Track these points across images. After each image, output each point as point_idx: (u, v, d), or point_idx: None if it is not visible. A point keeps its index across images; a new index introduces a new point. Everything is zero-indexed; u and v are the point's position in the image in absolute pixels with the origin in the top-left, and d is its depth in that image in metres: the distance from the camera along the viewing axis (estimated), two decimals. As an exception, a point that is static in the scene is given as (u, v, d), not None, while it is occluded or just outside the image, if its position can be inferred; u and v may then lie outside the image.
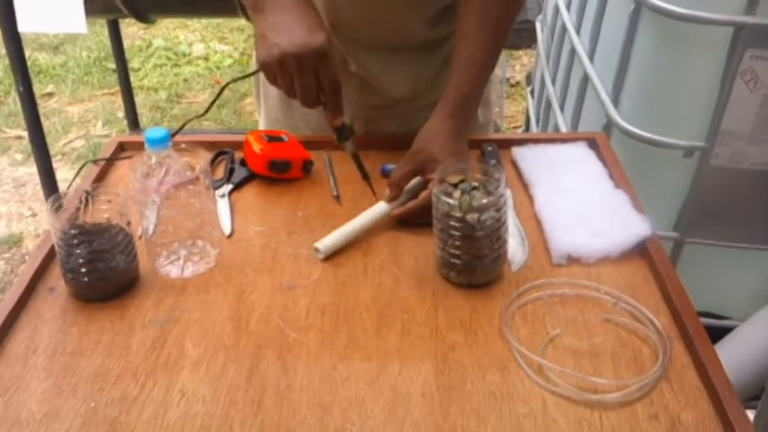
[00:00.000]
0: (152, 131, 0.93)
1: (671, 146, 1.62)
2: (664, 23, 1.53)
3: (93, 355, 0.87)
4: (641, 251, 1.01)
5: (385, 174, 1.16)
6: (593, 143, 1.24)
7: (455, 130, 1.07)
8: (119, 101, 3.44)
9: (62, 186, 2.58)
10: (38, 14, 2.24)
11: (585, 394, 0.80)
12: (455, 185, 0.94)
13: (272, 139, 1.18)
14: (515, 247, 1.02)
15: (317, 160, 1.21)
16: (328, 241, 1.01)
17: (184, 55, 4.13)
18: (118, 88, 3.37)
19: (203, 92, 3.79)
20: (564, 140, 1.25)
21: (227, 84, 1.15)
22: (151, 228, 0.97)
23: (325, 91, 1.01)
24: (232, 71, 3.99)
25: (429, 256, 1.00)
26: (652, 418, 0.77)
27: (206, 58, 4.11)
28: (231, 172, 1.19)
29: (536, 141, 1.25)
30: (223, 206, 1.12)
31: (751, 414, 1.39)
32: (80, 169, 1.17)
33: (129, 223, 0.94)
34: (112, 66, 3.52)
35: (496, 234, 0.93)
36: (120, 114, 3.46)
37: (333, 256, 1.01)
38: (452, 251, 0.93)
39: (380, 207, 1.06)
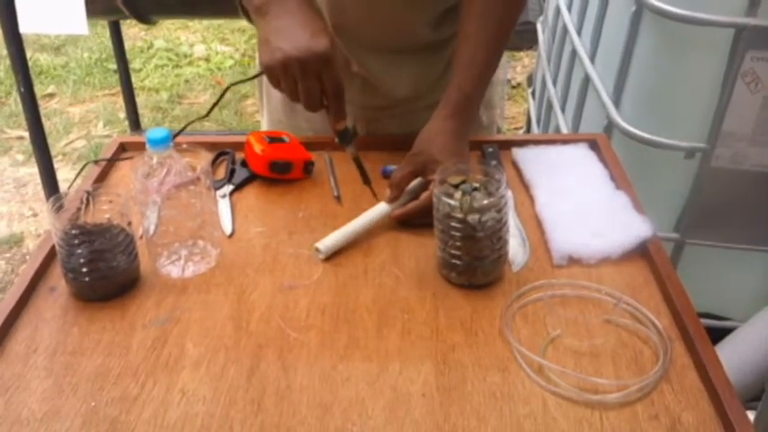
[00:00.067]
0: (153, 132, 0.93)
1: (672, 147, 1.62)
2: (665, 25, 1.53)
3: (94, 354, 0.87)
4: (642, 252, 1.01)
5: (386, 175, 1.16)
6: (593, 144, 1.24)
7: (456, 130, 1.07)
8: (120, 101, 3.44)
9: (63, 187, 2.58)
10: (39, 15, 2.24)
11: (586, 395, 0.80)
12: (456, 186, 0.94)
13: (273, 139, 1.19)
14: (516, 248, 1.02)
15: (318, 161, 1.21)
16: (329, 242, 1.01)
17: (185, 56, 4.14)
18: (119, 89, 3.37)
19: (204, 93, 3.79)
20: (565, 141, 1.25)
21: (230, 86, 1.15)
22: (152, 228, 0.97)
23: (328, 95, 1.01)
24: (233, 72, 3.99)
25: (430, 257, 1.00)
26: (652, 419, 0.77)
27: (207, 59, 4.11)
28: (232, 172, 1.20)
29: (537, 142, 1.25)
30: (224, 206, 1.12)
31: (751, 415, 1.39)
32: (81, 170, 1.17)
33: (129, 223, 0.94)
34: (114, 66, 3.53)
35: (497, 235, 0.93)
36: (122, 115, 3.47)
37: (333, 256, 1.01)
38: (453, 252, 0.93)
39: (381, 208, 1.06)
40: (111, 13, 2.67)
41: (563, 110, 2.20)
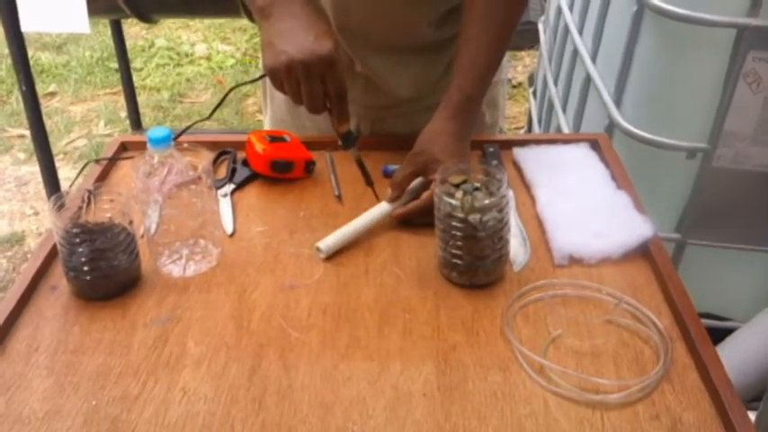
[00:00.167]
0: (154, 131, 0.93)
1: (673, 147, 1.62)
2: (666, 25, 1.53)
3: (95, 353, 0.87)
4: (643, 252, 1.01)
5: (387, 174, 1.16)
6: (595, 144, 1.24)
7: (457, 131, 1.07)
8: (121, 100, 3.44)
9: (64, 185, 2.58)
10: (41, 14, 2.24)
11: (587, 395, 0.80)
12: (457, 186, 0.94)
13: (275, 139, 1.19)
14: (517, 248, 1.02)
15: (320, 160, 1.21)
16: (330, 241, 1.01)
17: (187, 55, 4.14)
18: (120, 88, 3.38)
19: (206, 92, 3.79)
20: (566, 141, 1.25)
21: (233, 88, 1.15)
22: (153, 227, 0.97)
23: (332, 98, 1.01)
24: (234, 71, 3.99)
25: (431, 257, 1.00)
26: (653, 419, 0.77)
27: (208, 58, 4.11)
28: (233, 172, 1.20)
29: (538, 142, 1.25)
30: (225, 206, 1.12)
31: (752, 415, 1.39)
32: (82, 168, 1.17)
33: (131, 222, 0.94)
34: (115, 65, 3.53)
35: (498, 235, 0.93)
36: (123, 114, 3.47)
37: (334, 255, 1.01)
38: (454, 251, 0.93)
39: (382, 207, 1.06)
40: (113, 11, 2.67)
41: (564, 109, 2.20)
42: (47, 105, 3.58)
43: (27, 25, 2.24)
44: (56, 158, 2.66)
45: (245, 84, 1.22)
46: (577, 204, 1.08)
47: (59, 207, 0.92)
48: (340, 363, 0.85)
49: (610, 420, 0.77)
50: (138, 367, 0.85)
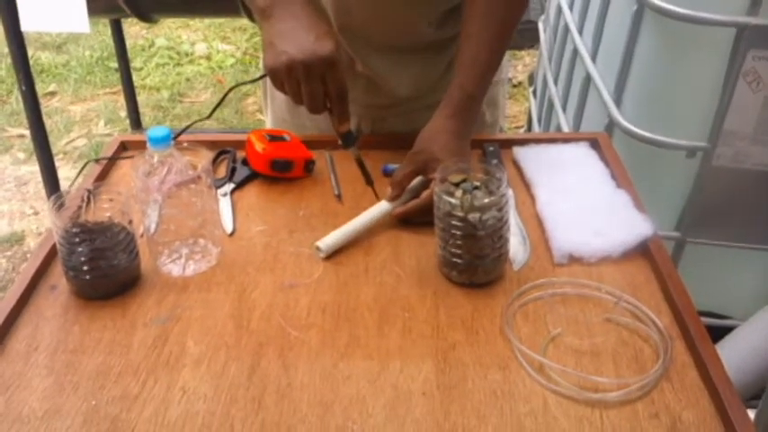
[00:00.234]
0: (154, 131, 0.93)
1: (673, 146, 1.62)
2: (666, 24, 1.53)
3: (95, 352, 0.87)
4: (643, 251, 1.01)
5: (386, 173, 1.16)
6: (595, 143, 1.24)
7: (457, 129, 1.07)
8: (121, 100, 3.44)
9: (64, 185, 2.58)
10: (40, 14, 2.24)
11: (586, 393, 0.80)
12: (457, 185, 0.94)
13: (274, 138, 1.19)
14: (517, 247, 1.02)
15: (319, 159, 1.21)
16: (330, 240, 1.01)
17: (187, 54, 4.14)
18: (120, 87, 3.37)
19: (205, 91, 3.79)
20: (566, 140, 1.25)
21: (233, 88, 1.15)
22: (153, 226, 0.97)
23: (332, 98, 1.01)
24: (234, 71, 3.99)
25: (430, 256, 1.00)
26: (653, 417, 0.77)
27: (208, 58, 4.11)
28: (233, 171, 1.20)
29: (538, 141, 1.25)
30: (225, 205, 1.12)
31: (751, 413, 1.39)
32: (82, 168, 1.17)
33: (130, 222, 0.94)
34: (115, 65, 3.53)
35: (498, 233, 0.93)
36: (123, 113, 3.47)
37: (334, 254, 1.01)
38: (454, 250, 0.93)
39: (382, 206, 1.06)
40: (113, 11, 2.67)
41: (564, 109, 2.20)
42: (46, 105, 3.58)
43: (27, 25, 2.24)
44: (55, 158, 2.66)
45: (245, 83, 1.22)
46: (577, 203, 1.08)
47: (59, 206, 0.92)
48: (339, 362, 0.85)
49: (609, 419, 0.77)
50: (138, 367, 0.85)
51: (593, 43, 1.90)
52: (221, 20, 4.32)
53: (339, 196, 1.14)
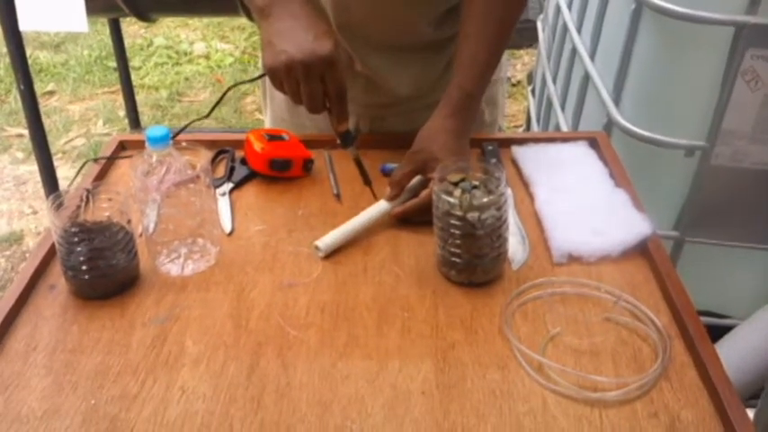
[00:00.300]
0: (153, 130, 0.93)
1: (672, 145, 1.62)
2: (665, 23, 1.53)
3: (94, 352, 0.87)
4: (642, 250, 1.01)
5: (385, 173, 1.16)
6: (593, 142, 1.24)
7: (456, 129, 1.07)
8: (120, 99, 3.44)
9: (63, 185, 2.58)
10: (39, 13, 2.24)
11: (586, 392, 0.80)
12: (456, 184, 0.94)
13: (273, 137, 1.19)
14: (516, 246, 1.02)
15: (318, 159, 1.21)
16: (329, 239, 1.01)
17: (185, 53, 4.14)
18: (119, 87, 3.37)
19: (204, 90, 3.79)
20: (564, 140, 1.25)
21: (231, 87, 1.15)
22: (152, 226, 0.97)
23: (331, 97, 1.01)
24: (233, 70, 3.99)
25: (429, 255, 1.00)
26: (652, 417, 0.77)
27: (207, 57, 4.11)
28: (232, 170, 1.20)
29: (537, 140, 1.25)
30: (223, 204, 1.12)
31: (750, 413, 1.39)
32: (81, 168, 1.17)
33: (129, 221, 0.94)
34: (113, 64, 3.53)
35: (497, 233, 0.93)
36: (121, 113, 3.46)
37: (333, 254, 1.01)
38: (453, 250, 0.93)
39: (381, 206, 1.06)
40: (111, 10, 2.67)
41: (563, 108, 2.20)
42: (45, 104, 3.58)
43: (25, 24, 2.24)
44: (54, 157, 2.66)
45: (243, 83, 1.22)
46: (576, 202, 1.08)
47: (58, 206, 0.91)
48: (338, 361, 0.85)
49: (608, 418, 0.77)
50: (137, 366, 0.85)
51: (592, 42, 1.90)
52: (220, 19, 4.31)
53: (338, 196, 1.14)
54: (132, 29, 4.29)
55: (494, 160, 1.19)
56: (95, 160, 1.21)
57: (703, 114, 1.56)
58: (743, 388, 1.55)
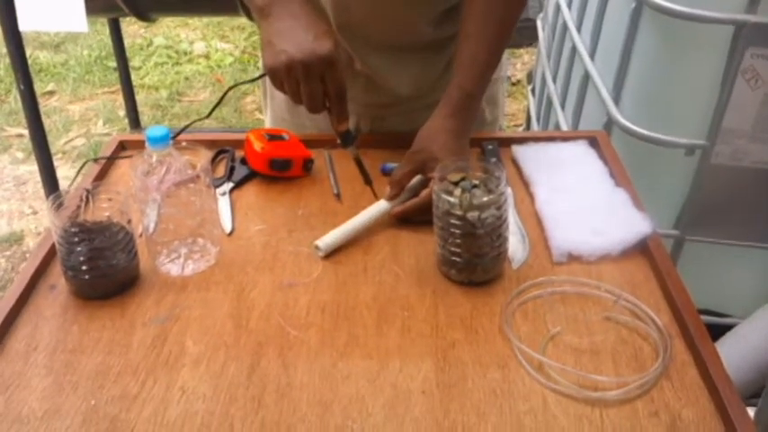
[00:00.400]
0: (153, 130, 0.93)
1: (672, 144, 1.62)
2: (665, 22, 1.53)
3: (94, 352, 0.87)
4: (642, 249, 1.01)
5: (385, 172, 1.16)
6: (593, 141, 1.24)
7: (456, 129, 1.07)
8: (120, 99, 3.44)
9: (63, 185, 2.58)
10: (38, 13, 2.24)
11: (586, 392, 0.80)
12: (456, 183, 0.94)
13: (273, 137, 1.19)
14: (516, 245, 1.02)
15: (318, 158, 1.21)
16: (329, 239, 1.01)
17: (185, 53, 4.14)
18: (119, 87, 3.37)
19: (204, 90, 3.79)
20: (565, 139, 1.25)
21: (232, 87, 1.15)
22: (152, 226, 0.97)
23: (331, 97, 1.01)
24: (233, 69, 3.99)
25: (429, 254, 1.00)
26: (652, 416, 0.77)
27: (207, 57, 4.11)
28: (232, 170, 1.20)
29: (537, 140, 1.25)
30: (224, 204, 1.12)
31: (751, 411, 1.39)
32: (81, 168, 1.17)
33: (129, 221, 0.94)
34: (113, 64, 3.53)
35: (497, 232, 0.93)
36: (121, 113, 3.46)
37: (333, 254, 1.01)
38: (453, 249, 0.93)
39: (381, 205, 1.06)
40: (111, 10, 2.67)
41: (563, 107, 2.20)
42: (45, 104, 3.58)
43: (25, 24, 2.24)
44: (54, 158, 2.66)
45: (244, 83, 1.22)
46: (576, 202, 1.08)
47: (58, 206, 0.91)
48: (339, 361, 0.85)
49: (609, 417, 0.77)
50: (137, 366, 0.85)
51: (592, 41, 1.90)
52: (220, 18, 4.31)
53: (338, 195, 1.14)
54: (132, 29, 4.29)
55: (494, 159, 1.19)
56: (95, 160, 1.21)
57: (703, 113, 1.56)
58: (743, 387, 1.55)
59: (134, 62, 3.92)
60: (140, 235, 1.00)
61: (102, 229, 0.93)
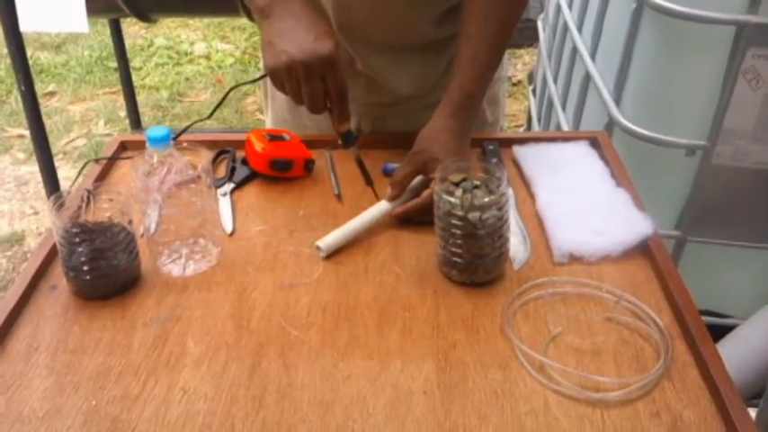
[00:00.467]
0: (154, 130, 0.93)
1: (673, 144, 1.62)
2: (665, 22, 1.53)
3: (95, 353, 0.87)
4: (643, 250, 1.01)
5: (386, 173, 1.16)
6: (594, 142, 1.24)
7: (457, 129, 1.07)
8: (120, 100, 3.44)
9: (64, 185, 2.58)
10: (39, 14, 2.24)
11: (587, 392, 0.80)
12: (457, 184, 0.94)
13: (274, 138, 1.19)
14: (517, 246, 1.02)
15: (319, 159, 1.21)
16: (330, 240, 1.01)
17: (186, 54, 4.14)
18: (120, 87, 3.37)
19: (205, 91, 3.79)
20: (565, 139, 1.25)
21: (233, 88, 1.15)
22: (153, 226, 0.97)
23: (332, 97, 1.01)
24: (234, 70, 3.99)
25: (430, 255, 1.00)
26: (654, 417, 0.77)
27: (207, 57, 4.11)
28: (233, 171, 1.20)
29: (537, 140, 1.25)
30: (225, 205, 1.12)
31: (752, 412, 1.39)
32: (82, 168, 1.17)
33: (130, 222, 0.94)
34: (114, 65, 3.53)
35: (498, 233, 0.93)
36: (122, 113, 3.47)
37: (334, 254, 1.01)
38: (454, 250, 0.93)
39: (382, 206, 1.06)
40: (112, 11, 2.67)
41: (564, 107, 2.20)
42: (46, 105, 3.58)
43: (26, 25, 2.24)
44: (55, 158, 2.66)
45: (244, 84, 1.22)
46: (577, 202, 1.08)
47: (59, 207, 0.91)
48: (340, 361, 0.85)
49: (610, 418, 0.77)
50: (138, 367, 0.85)
51: (593, 42, 1.90)
52: (220, 19, 4.32)
53: (339, 196, 1.14)
54: (133, 29, 4.29)
55: (495, 160, 1.19)
56: (96, 161, 1.21)
57: (704, 114, 1.56)
58: (745, 387, 1.54)
59: (135, 63, 3.92)
60: (141, 235, 1.00)
61: (103, 229, 0.93)
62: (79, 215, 0.94)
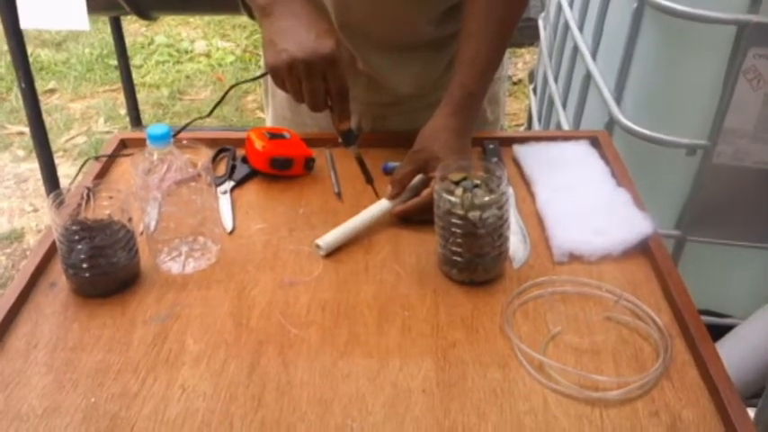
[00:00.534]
0: (154, 128, 0.93)
1: (673, 144, 1.62)
2: (666, 22, 1.53)
3: (94, 350, 0.87)
4: (643, 249, 1.01)
5: (387, 171, 1.16)
6: (595, 141, 1.24)
7: (458, 128, 1.07)
8: (121, 97, 3.44)
9: (64, 182, 2.58)
10: (40, 11, 2.24)
11: (586, 392, 0.80)
12: (457, 183, 0.94)
13: (274, 136, 1.18)
14: (517, 245, 1.02)
15: (319, 157, 1.21)
16: (330, 238, 1.01)
17: (186, 52, 4.14)
18: (120, 85, 3.37)
19: (205, 89, 3.79)
20: (566, 138, 1.25)
21: (233, 86, 1.15)
22: (152, 224, 0.97)
23: (333, 96, 1.01)
24: (234, 68, 3.99)
25: (430, 254, 1.00)
26: (653, 416, 0.77)
27: (208, 55, 4.11)
28: (233, 169, 1.19)
29: (538, 139, 1.25)
30: (224, 203, 1.12)
31: (751, 412, 1.39)
32: (82, 165, 1.17)
33: (130, 219, 0.94)
34: (114, 62, 3.53)
35: (498, 232, 0.93)
36: (122, 111, 3.47)
37: (334, 252, 1.01)
38: (454, 249, 0.93)
39: (382, 204, 1.06)
40: (112, 8, 2.67)
41: (564, 106, 2.20)
42: (46, 102, 3.58)
43: (26, 22, 2.24)
44: (55, 155, 2.66)
45: (245, 82, 1.23)
46: (577, 201, 1.08)
47: (59, 204, 0.91)
48: (339, 359, 0.85)
49: (609, 417, 0.77)
50: (138, 364, 0.85)
51: (594, 41, 1.90)
52: (221, 17, 4.32)
53: (339, 194, 1.14)
54: (133, 27, 4.29)
55: (495, 159, 1.19)
56: (96, 158, 1.21)
57: (705, 113, 1.56)
58: (744, 387, 1.55)
59: (135, 60, 3.92)
60: (141, 233, 1.00)
61: (102, 227, 0.93)
62: (79, 212, 0.94)
